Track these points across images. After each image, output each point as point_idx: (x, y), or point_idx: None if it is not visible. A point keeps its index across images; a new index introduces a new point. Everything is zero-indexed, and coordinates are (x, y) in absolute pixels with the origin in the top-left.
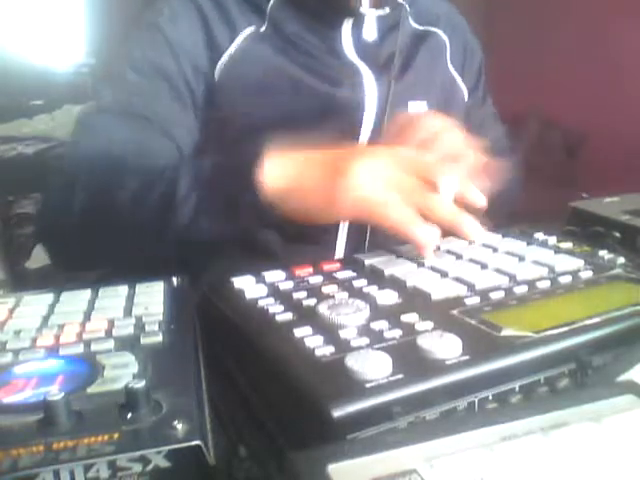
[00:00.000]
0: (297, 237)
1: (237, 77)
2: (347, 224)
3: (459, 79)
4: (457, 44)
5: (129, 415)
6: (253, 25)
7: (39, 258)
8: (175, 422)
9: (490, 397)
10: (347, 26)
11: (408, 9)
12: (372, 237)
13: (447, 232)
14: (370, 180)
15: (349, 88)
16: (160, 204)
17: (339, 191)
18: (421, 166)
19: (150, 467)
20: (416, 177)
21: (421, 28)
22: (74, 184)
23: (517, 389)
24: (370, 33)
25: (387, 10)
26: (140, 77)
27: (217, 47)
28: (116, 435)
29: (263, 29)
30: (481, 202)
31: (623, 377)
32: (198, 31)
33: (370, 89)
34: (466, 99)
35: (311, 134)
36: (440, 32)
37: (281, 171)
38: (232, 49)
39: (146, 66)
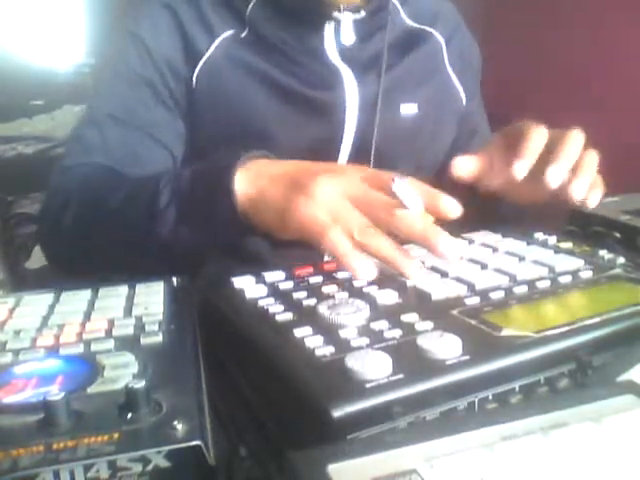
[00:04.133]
0: (287, 242)
1: (215, 81)
2: None
3: (457, 82)
4: (455, 47)
5: (129, 415)
6: (232, 29)
7: (39, 258)
8: (175, 422)
9: (490, 397)
10: (329, 29)
11: (400, 8)
12: None
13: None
14: (325, 199)
15: (330, 90)
16: (143, 214)
17: (292, 207)
18: (382, 180)
19: (150, 467)
20: (383, 194)
21: (415, 26)
22: (69, 196)
23: (517, 389)
24: (347, 37)
25: (363, 14)
26: (127, 87)
27: (195, 51)
28: (116, 435)
29: (244, 35)
30: (454, 212)
31: (623, 377)
32: (176, 37)
33: (351, 91)
34: (464, 103)
35: (293, 137)
36: (436, 33)
37: (251, 181)
38: (210, 53)
39: (131, 75)
